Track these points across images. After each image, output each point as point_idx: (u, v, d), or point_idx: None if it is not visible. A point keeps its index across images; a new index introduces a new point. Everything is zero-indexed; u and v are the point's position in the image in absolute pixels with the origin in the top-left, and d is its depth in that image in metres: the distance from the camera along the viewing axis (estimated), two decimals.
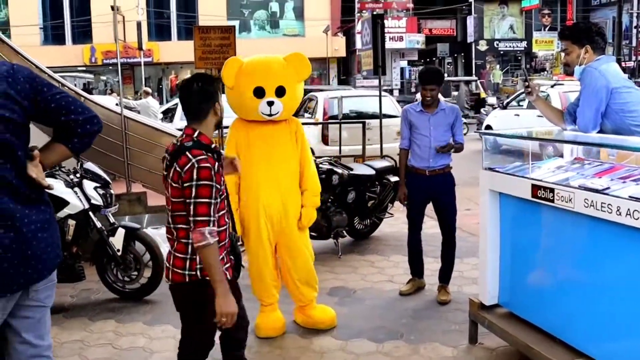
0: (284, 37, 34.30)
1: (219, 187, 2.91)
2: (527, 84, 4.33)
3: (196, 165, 2.84)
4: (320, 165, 6.41)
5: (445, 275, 5.34)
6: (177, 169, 2.90)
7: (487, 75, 37.58)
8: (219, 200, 2.94)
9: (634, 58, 35.83)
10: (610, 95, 3.75)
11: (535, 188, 3.62)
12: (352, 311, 5.03)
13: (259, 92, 4.36)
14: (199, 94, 3.03)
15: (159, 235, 6.14)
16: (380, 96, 10.25)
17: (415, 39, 36.54)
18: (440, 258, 5.40)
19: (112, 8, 10.32)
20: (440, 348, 4.29)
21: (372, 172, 6.95)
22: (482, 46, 38.82)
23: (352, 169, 6.74)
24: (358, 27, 33.93)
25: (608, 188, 3.24)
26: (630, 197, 3.05)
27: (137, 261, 5.38)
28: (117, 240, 5.27)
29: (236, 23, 27.70)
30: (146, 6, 31.87)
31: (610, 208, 3.10)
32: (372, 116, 10.86)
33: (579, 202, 3.30)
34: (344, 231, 6.78)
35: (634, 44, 36.45)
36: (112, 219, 5.42)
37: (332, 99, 11.69)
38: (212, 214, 2.86)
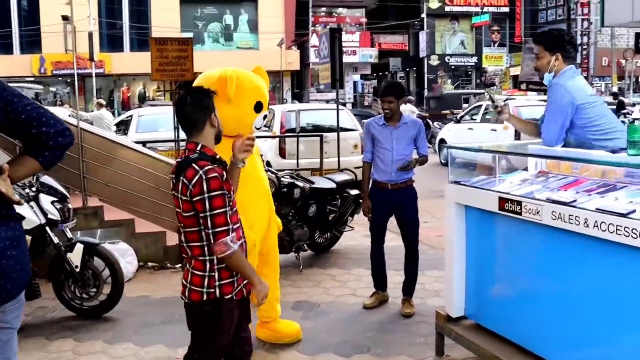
0: (238, 50, 34.19)
1: (230, 195, 2.89)
2: (495, 104, 4.39)
3: (204, 177, 2.82)
4: (282, 179, 6.39)
5: (408, 288, 5.35)
6: (185, 181, 2.86)
7: (439, 89, 38.19)
8: (231, 210, 2.93)
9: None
10: (575, 111, 3.83)
11: (502, 201, 3.67)
12: (317, 325, 4.99)
13: (258, 107, 4.41)
14: (193, 106, 3.00)
15: (116, 250, 6.01)
16: (337, 109, 10.29)
17: (369, 53, 36.91)
18: (404, 271, 5.40)
19: (64, 18, 10.08)
20: None
21: (333, 185, 6.94)
22: (434, 61, 39.47)
23: (313, 183, 6.73)
24: (313, 41, 34.07)
25: (575, 201, 3.29)
26: (597, 209, 3.10)
27: (95, 277, 5.23)
28: (75, 256, 5.13)
29: (190, 35, 27.57)
30: (98, 17, 31.33)
31: (578, 220, 3.16)
32: (329, 129, 10.89)
33: (546, 215, 3.35)
34: (305, 245, 6.75)
35: (578, 60, 37.54)
36: (69, 234, 5.27)
37: (290, 112, 11.70)
38: (229, 222, 2.86)
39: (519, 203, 3.54)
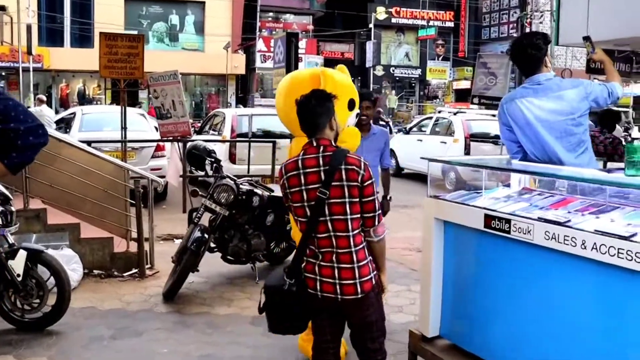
0: (183, 50, 33.59)
1: None
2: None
3: (364, 164, 3.09)
4: (241, 186, 6.11)
5: None
6: (354, 168, 3.05)
7: (383, 100, 38.43)
8: None
9: None
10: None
11: (488, 218, 3.49)
12: (280, 342, 4.72)
13: (352, 105, 4.25)
14: (316, 109, 3.18)
15: (60, 256, 5.60)
16: None
17: (314, 61, 36.77)
18: None
19: (0, 8, 9.61)
20: None
21: None
22: (379, 71, 39.73)
23: (272, 191, 6.46)
24: (260, 46, 33.86)
25: (569, 221, 3.14)
26: (596, 230, 2.96)
27: (39, 287, 4.82)
28: (18, 264, 4.70)
29: (134, 33, 26.85)
30: (37, 9, 30.19)
31: (575, 241, 3.00)
32: (281, 135, 10.67)
33: (538, 234, 3.19)
34: (261, 255, 6.47)
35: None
36: (11, 240, 4.83)
37: (241, 116, 11.43)
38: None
39: (508, 221, 3.37)
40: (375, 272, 3.18)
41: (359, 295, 3.07)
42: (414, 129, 16.48)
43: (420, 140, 15.28)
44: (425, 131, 15.60)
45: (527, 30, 31.89)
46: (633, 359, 2.80)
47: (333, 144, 3.19)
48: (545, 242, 3.16)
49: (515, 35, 36.63)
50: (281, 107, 4.36)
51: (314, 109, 3.17)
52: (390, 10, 38.68)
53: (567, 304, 3.13)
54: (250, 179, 6.85)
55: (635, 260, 2.73)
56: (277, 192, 6.55)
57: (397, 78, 41.10)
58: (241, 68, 33.56)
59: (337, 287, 3.07)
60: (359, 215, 3.09)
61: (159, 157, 11.02)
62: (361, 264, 3.10)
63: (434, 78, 41.94)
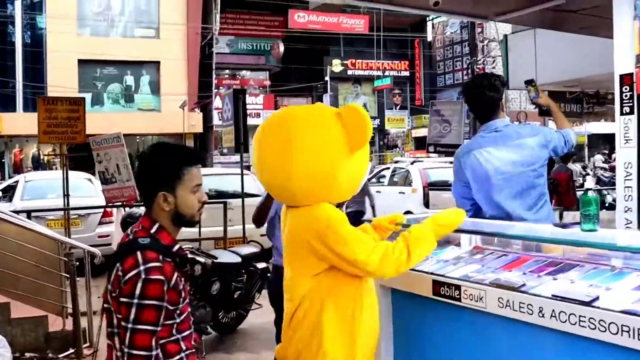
0: (139, 111, 33.22)
1: (171, 308, 2.22)
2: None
3: (143, 276, 2.16)
4: None
5: None
6: (119, 272, 2.21)
7: None
8: (178, 320, 2.28)
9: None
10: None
11: (437, 285, 3.16)
12: None
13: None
14: (152, 170, 2.39)
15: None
16: (242, 174, 9.76)
17: None
18: None
19: None
20: None
21: (238, 259, 6.32)
22: None
23: (216, 257, 6.08)
24: (217, 104, 33.65)
25: (524, 285, 2.82)
26: (553, 295, 2.64)
27: None
28: None
29: (88, 96, 26.48)
30: None
31: (531, 309, 2.68)
32: (233, 195, 10.34)
33: (491, 302, 2.86)
34: (208, 327, 6.03)
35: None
36: None
37: None
38: (153, 346, 2.16)
39: (458, 287, 3.04)
40: None
41: None
42: (373, 179, 16.28)
43: (379, 192, 15.05)
44: (383, 182, 15.41)
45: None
46: None
47: (153, 229, 2.37)
48: (499, 311, 2.83)
49: None
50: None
51: (151, 168, 2.41)
52: (345, 62, 39.03)
53: None
54: (191, 246, 6.44)
55: (599, 329, 2.41)
56: (222, 258, 6.21)
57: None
58: (198, 126, 33.27)
59: None
60: None
61: (106, 224, 10.57)
62: None
63: (392, 127, 42.18)
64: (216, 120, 33.86)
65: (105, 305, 2.31)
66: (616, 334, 2.35)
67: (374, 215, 9.94)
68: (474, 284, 2.99)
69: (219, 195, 10.47)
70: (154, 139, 34.69)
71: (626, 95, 3.99)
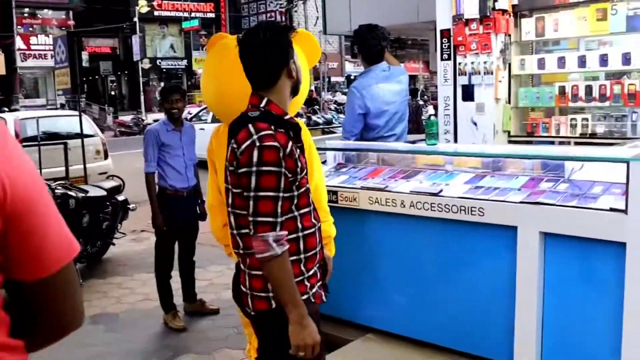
0: None
1: (289, 175, 2.19)
2: None
3: (257, 144, 2.15)
4: (55, 190, 6.05)
5: (191, 291, 5.33)
6: (233, 145, 2.22)
7: (152, 92, 37.94)
8: (295, 193, 2.25)
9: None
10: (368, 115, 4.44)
11: None
12: (127, 335, 4.88)
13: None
14: (266, 49, 2.30)
15: None
16: (80, 116, 9.88)
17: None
18: (181, 276, 5.31)
19: None
20: (232, 352, 4.46)
21: (104, 193, 6.73)
22: (146, 64, 39.02)
23: (87, 191, 6.46)
24: (19, 44, 31.49)
25: (387, 186, 3.81)
26: (410, 191, 3.65)
27: None
28: None
29: None
30: None
31: (395, 202, 3.67)
32: (68, 136, 10.40)
33: (363, 201, 3.81)
34: (81, 257, 6.46)
35: None
36: None
37: (26, 119, 10.88)
38: (279, 212, 2.17)
39: (335, 192, 3.94)
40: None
41: (251, 312, 2.38)
42: (194, 119, 16.66)
43: (203, 129, 15.56)
44: (206, 120, 15.91)
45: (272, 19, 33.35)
46: (453, 279, 3.54)
47: (262, 104, 2.34)
48: (369, 207, 3.79)
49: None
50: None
51: (262, 49, 2.33)
52: (152, 3, 38.09)
53: (393, 254, 3.80)
54: (64, 182, 6.73)
55: (444, 211, 3.46)
56: (92, 192, 6.60)
57: (164, 70, 40.74)
58: (1, 68, 30.91)
59: (248, 298, 2.37)
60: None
61: None
62: (253, 272, 2.31)
63: (199, 68, 42.20)
64: (19, 62, 31.72)
65: (225, 185, 2.34)
66: (457, 212, 3.41)
67: None
68: (347, 188, 3.92)
69: (55, 137, 10.42)
70: None
71: (445, 46, 5.12)
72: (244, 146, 2.16)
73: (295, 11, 37.23)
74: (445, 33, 5.13)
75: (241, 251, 2.32)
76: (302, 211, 2.27)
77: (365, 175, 4.15)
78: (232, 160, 2.21)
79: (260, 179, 2.12)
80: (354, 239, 3.98)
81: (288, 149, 2.17)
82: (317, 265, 2.36)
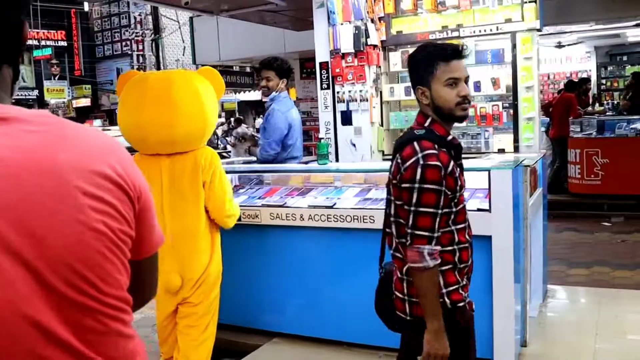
0: None
1: (449, 193, 2.31)
2: None
3: (421, 162, 2.27)
4: None
5: None
6: (398, 160, 2.36)
7: None
8: (454, 210, 2.37)
9: None
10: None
11: None
12: None
13: None
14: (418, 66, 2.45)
15: None
16: None
17: None
18: None
19: None
20: None
21: None
22: None
23: None
24: None
25: (285, 203, 4.25)
26: (309, 205, 4.12)
27: None
28: None
29: None
30: None
31: (294, 216, 4.12)
32: None
33: (265, 217, 4.22)
34: None
35: None
36: None
37: None
38: (435, 228, 2.29)
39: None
40: (440, 299, 2.37)
41: (408, 317, 2.47)
42: None
43: None
44: None
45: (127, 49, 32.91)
46: (350, 280, 4.02)
47: (427, 123, 2.45)
48: (270, 222, 4.21)
49: (130, 52, 37.72)
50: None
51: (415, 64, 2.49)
52: None
53: (294, 263, 4.24)
54: None
55: (339, 221, 3.95)
56: None
57: (14, 101, 38.56)
58: None
59: (406, 304, 2.47)
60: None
61: None
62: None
63: (52, 98, 40.67)
64: None
65: (387, 197, 2.51)
66: (350, 221, 3.92)
67: None
68: (250, 206, 4.31)
69: None
70: None
71: (325, 77, 5.71)
72: (408, 163, 2.28)
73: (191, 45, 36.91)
74: (324, 65, 5.72)
75: (401, 256, 2.43)
76: (458, 226, 2.38)
77: (263, 194, 4.57)
78: (396, 174, 2.35)
79: (421, 196, 2.25)
80: (256, 252, 4.38)
81: (450, 168, 2.29)
82: (466, 277, 2.46)
